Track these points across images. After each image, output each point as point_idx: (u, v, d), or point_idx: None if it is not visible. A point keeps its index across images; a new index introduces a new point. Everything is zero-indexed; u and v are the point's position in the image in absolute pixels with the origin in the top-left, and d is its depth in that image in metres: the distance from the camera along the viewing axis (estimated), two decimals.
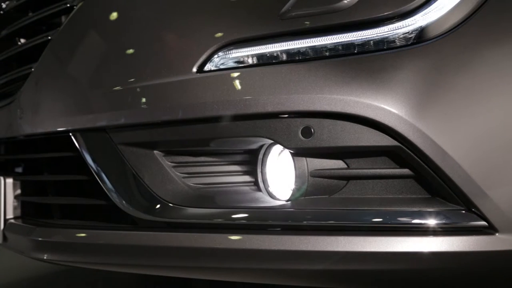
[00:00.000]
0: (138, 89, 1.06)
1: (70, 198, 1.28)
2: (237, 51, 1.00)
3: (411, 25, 0.92)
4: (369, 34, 0.93)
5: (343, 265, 0.96)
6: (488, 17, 0.91)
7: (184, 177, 1.09)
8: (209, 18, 1.04)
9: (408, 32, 0.92)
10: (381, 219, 0.94)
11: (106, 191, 1.12)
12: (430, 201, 0.94)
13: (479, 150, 0.90)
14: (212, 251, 1.02)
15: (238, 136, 1.03)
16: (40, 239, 1.23)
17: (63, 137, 1.18)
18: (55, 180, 1.33)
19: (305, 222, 0.98)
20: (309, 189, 1.00)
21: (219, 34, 1.02)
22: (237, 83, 0.99)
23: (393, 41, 0.92)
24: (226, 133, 1.03)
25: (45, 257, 1.23)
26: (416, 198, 0.95)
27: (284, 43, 0.97)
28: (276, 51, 0.98)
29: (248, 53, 0.99)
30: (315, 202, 0.99)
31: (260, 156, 1.07)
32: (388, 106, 0.91)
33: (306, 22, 0.96)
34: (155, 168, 1.10)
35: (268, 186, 1.07)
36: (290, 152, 1.01)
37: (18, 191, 1.40)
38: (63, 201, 1.30)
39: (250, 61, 0.99)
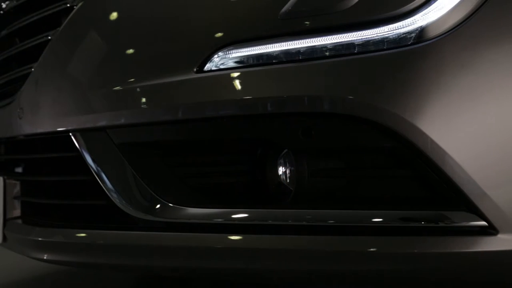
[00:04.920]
0: (138, 89, 1.06)
1: (70, 198, 1.28)
2: (237, 51, 1.00)
3: (411, 25, 0.92)
4: (369, 34, 0.93)
5: (343, 265, 0.96)
6: (488, 17, 0.91)
7: (184, 177, 1.09)
8: (209, 18, 1.04)
9: (408, 32, 0.92)
10: (381, 219, 0.94)
11: (106, 191, 1.12)
12: (430, 201, 0.94)
13: (479, 150, 0.90)
14: (212, 251, 1.02)
15: (238, 136, 1.03)
16: (40, 239, 1.23)
17: (63, 137, 1.18)
18: (55, 180, 1.33)
19: (305, 222, 0.98)
20: (309, 189, 1.00)
21: (219, 34, 1.02)
22: (237, 83, 0.99)
23: (393, 41, 0.92)
24: (226, 133, 1.03)
25: (45, 257, 1.23)
26: (416, 198, 0.95)
27: (284, 43, 0.97)
28: (276, 51, 0.97)
29: (248, 53, 0.99)
30: (315, 202, 0.99)
31: (260, 156, 1.07)
32: (388, 106, 0.91)
33: (306, 22, 0.96)
34: (155, 168, 1.10)
35: (269, 186, 1.07)
36: (290, 152, 1.01)
37: (18, 191, 1.40)
38: (63, 201, 1.30)
39: (250, 61, 0.99)
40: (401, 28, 0.92)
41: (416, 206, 0.94)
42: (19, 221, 1.38)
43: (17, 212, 1.40)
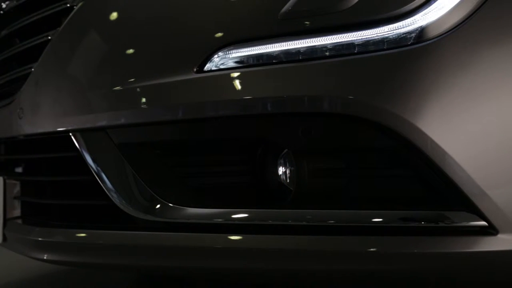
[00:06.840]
0: (138, 89, 1.06)
1: (70, 198, 1.28)
2: (237, 51, 1.00)
3: (411, 25, 0.92)
4: (369, 34, 0.93)
5: (343, 265, 0.96)
6: (488, 17, 0.91)
7: (184, 177, 1.09)
8: (209, 18, 1.04)
9: (408, 32, 0.92)
10: (381, 219, 0.94)
11: (106, 191, 1.12)
12: (430, 201, 0.94)
13: (479, 150, 0.90)
14: (212, 251, 1.02)
15: (238, 136, 1.03)
16: (40, 239, 1.23)
17: (63, 137, 1.18)
18: (55, 180, 1.33)
19: (305, 222, 0.98)
20: (309, 189, 1.00)
21: (219, 34, 1.02)
22: (237, 83, 0.99)
23: (393, 41, 0.92)
24: (226, 133, 1.03)
25: (45, 257, 1.23)
26: (416, 198, 0.95)
27: (283, 43, 0.97)
28: (276, 51, 0.97)
29: (248, 53, 0.99)
30: (315, 202, 0.99)
31: (260, 156, 1.07)
32: (388, 106, 0.91)
33: (305, 22, 0.96)
34: (155, 168, 1.10)
35: (269, 186, 1.07)
36: (290, 152, 1.00)
37: (18, 191, 1.40)
38: (63, 201, 1.30)
39: (250, 61, 0.99)
40: (401, 28, 0.92)
41: (416, 206, 0.94)
42: (19, 221, 1.38)
43: (17, 212, 1.40)
